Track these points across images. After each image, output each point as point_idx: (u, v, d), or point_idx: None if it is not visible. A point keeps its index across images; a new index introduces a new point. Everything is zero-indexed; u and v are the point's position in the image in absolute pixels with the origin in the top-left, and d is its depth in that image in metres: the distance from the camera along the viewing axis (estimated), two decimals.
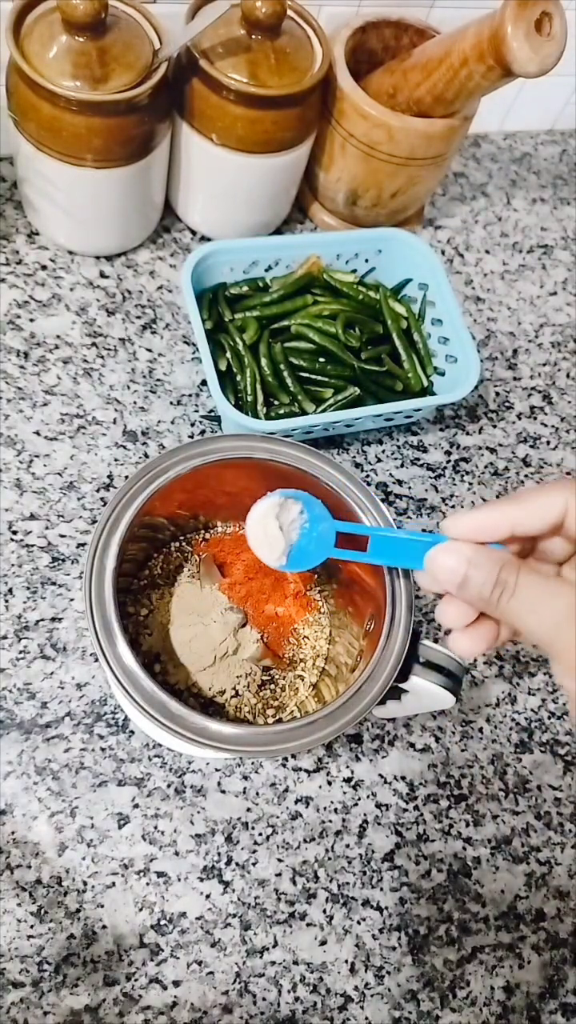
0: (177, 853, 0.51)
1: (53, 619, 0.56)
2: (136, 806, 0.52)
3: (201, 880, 0.51)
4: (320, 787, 0.55)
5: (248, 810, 0.53)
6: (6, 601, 0.55)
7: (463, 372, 0.65)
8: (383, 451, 0.69)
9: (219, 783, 0.54)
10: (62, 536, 0.58)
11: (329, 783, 0.55)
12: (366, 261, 0.71)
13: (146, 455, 0.63)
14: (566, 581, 0.33)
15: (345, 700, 0.43)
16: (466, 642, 0.36)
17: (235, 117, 0.61)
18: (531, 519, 0.34)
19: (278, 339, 0.67)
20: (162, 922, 0.50)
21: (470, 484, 0.69)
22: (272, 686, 0.55)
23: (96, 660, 0.55)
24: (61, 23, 0.55)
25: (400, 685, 0.45)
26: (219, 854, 0.52)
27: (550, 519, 0.33)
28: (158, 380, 0.67)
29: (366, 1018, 0.50)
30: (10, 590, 0.56)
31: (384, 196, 0.72)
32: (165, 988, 0.48)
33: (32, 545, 0.58)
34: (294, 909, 0.52)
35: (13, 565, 0.57)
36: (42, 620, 0.56)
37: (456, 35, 0.60)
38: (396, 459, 0.69)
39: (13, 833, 0.50)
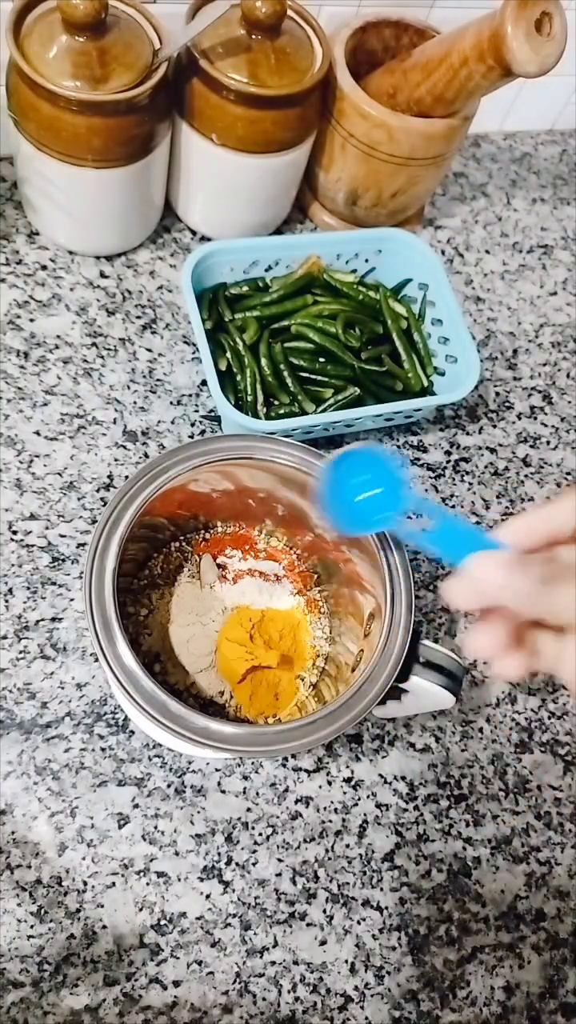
0: (177, 853, 0.51)
1: (53, 619, 0.56)
2: (136, 806, 0.52)
3: (201, 880, 0.51)
4: (320, 787, 0.55)
5: (248, 810, 0.53)
6: (6, 601, 0.55)
7: (463, 372, 0.65)
8: None
9: (219, 783, 0.54)
10: (62, 536, 0.58)
11: (329, 783, 0.55)
12: (366, 261, 0.71)
13: (146, 455, 0.63)
14: None
15: (345, 700, 0.43)
16: (513, 664, 0.34)
17: (235, 117, 0.61)
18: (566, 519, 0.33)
19: (278, 339, 0.67)
20: (162, 922, 0.50)
21: (470, 484, 0.69)
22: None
23: (96, 660, 0.55)
24: (61, 23, 0.55)
25: (400, 685, 0.45)
26: (219, 854, 0.52)
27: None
28: (158, 380, 0.67)
29: (366, 1018, 0.50)
30: (10, 590, 0.56)
31: (384, 196, 0.72)
32: (165, 988, 0.48)
33: (32, 545, 0.58)
34: (294, 909, 0.52)
35: (13, 565, 0.57)
36: (42, 620, 0.56)
37: (456, 35, 0.60)
38: None
39: (13, 833, 0.50)
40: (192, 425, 0.65)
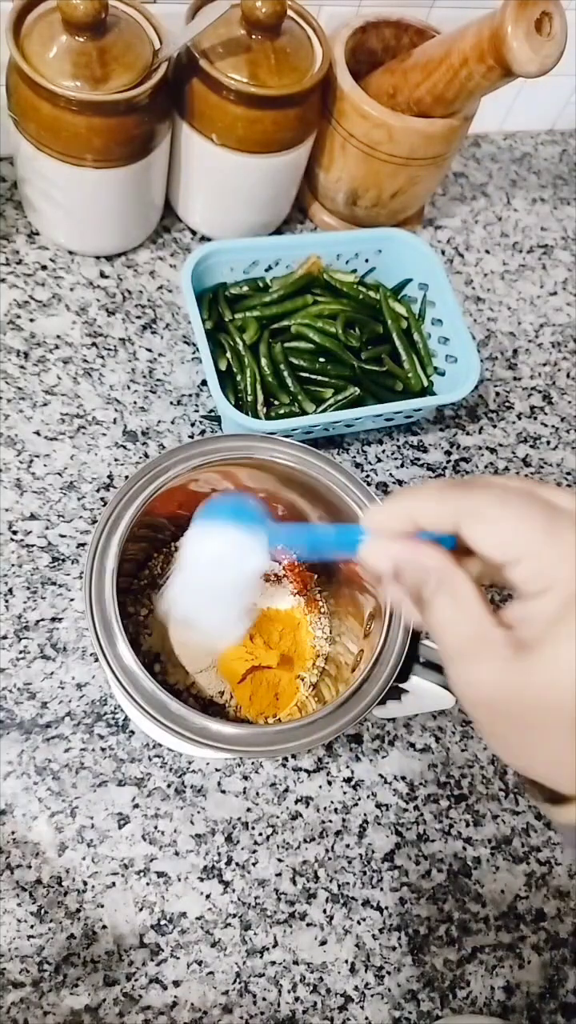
0: (177, 853, 0.51)
1: (53, 619, 0.56)
2: (136, 806, 0.52)
3: (201, 880, 0.51)
4: (320, 787, 0.55)
5: (248, 810, 0.53)
6: (6, 601, 0.55)
7: (463, 372, 0.65)
8: (383, 451, 0.69)
9: (219, 783, 0.54)
10: (62, 536, 0.58)
11: (329, 783, 0.55)
12: (366, 261, 0.71)
13: (146, 455, 0.63)
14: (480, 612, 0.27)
15: (345, 700, 0.43)
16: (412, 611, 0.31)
17: (235, 117, 0.61)
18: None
19: (278, 339, 0.67)
20: (162, 922, 0.50)
21: None
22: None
23: (96, 660, 0.55)
24: (61, 23, 0.55)
25: (400, 685, 0.45)
26: (219, 854, 0.52)
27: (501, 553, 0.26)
28: (158, 380, 0.67)
29: (366, 1018, 0.50)
30: (10, 590, 0.56)
31: (384, 196, 0.72)
32: (165, 988, 0.48)
33: (32, 545, 0.58)
34: (294, 909, 0.52)
35: (13, 565, 0.57)
36: (42, 620, 0.56)
37: (456, 35, 0.60)
38: (396, 459, 0.69)
39: (13, 833, 0.50)
40: (192, 425, 0.65)
